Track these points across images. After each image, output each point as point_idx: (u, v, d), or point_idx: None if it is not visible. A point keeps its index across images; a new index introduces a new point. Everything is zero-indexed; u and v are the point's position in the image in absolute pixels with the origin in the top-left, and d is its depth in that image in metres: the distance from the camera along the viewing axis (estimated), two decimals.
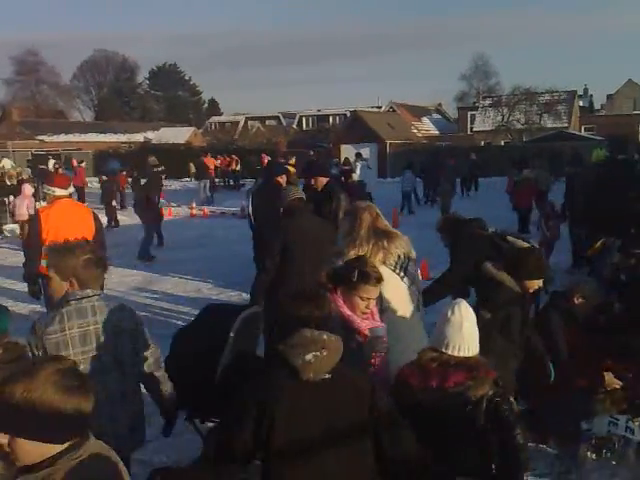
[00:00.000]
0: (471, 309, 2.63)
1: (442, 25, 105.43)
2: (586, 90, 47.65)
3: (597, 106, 48.54)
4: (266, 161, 16.26)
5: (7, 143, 41.36)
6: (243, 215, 16.53)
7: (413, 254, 3.47)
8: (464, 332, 2.53)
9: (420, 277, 3.90)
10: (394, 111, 45.64)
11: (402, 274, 3.36)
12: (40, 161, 26.92)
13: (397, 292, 3.33)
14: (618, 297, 4.87)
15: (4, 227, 15.16)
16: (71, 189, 5.56)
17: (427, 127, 46.55)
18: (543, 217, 9.13)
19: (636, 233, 5.72)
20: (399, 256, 3.37)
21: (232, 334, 3.25)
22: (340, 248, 3.41)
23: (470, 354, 2.54)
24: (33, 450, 1.54)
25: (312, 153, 26.42)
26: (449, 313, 2.57)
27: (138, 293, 8.78)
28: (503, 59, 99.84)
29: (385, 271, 3.14)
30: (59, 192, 5.18)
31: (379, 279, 2.79)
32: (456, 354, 2.52)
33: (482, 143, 38.19)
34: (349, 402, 2.13)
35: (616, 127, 34.82)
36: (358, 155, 20.50)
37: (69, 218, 5.05)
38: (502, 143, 36.93)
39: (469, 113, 44.00)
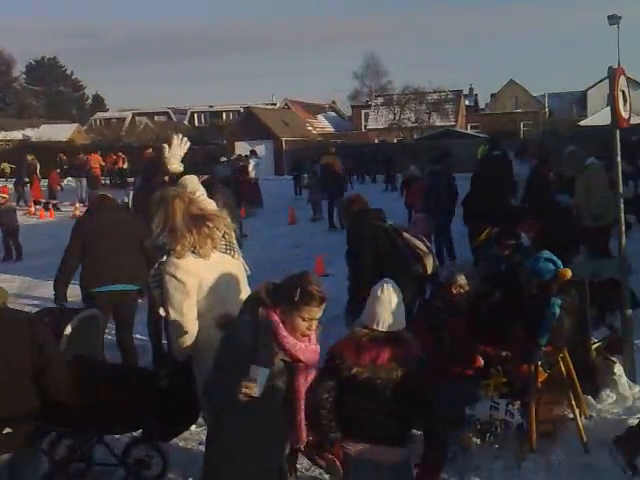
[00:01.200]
0: (397, 288, 2.88)
1: (336, 24, 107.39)
2: (471, 90, 50.02)
3: (482, 105, 51.05)
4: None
5: None
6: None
7: (232, 225, 3.32)
8: (392, 309, 2.80)
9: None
10: (289, 108, 45.79)
11: (233, 252, 3.27)
12: None
13: (240, 272, 3.29)
14: (497, 285, 5.07)
15: None
16: None
17: (322, 124, 47.12)
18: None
19: (509, 224, 6.02)
20: (224, 235, 3.24)
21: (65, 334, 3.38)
22: (161, 242, 3.12)
23: (396, 329, 2.80)
24: None
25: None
26: (378, 292, 2.83)
27: (16, 300, 8.04)
28: (394, 59, 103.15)
29: (219, 257, 3.14)
30: None
31: (323, 299, 2.57)
32: (385, 329, 2.77)
33: (376, 140, 39.26)
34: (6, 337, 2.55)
35: (499, 125, 37.15)
36: (252, 152, 20.31)
37: None
38: (395, 141, 38.13)
39: (363, 111, 45.11)
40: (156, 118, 52.09)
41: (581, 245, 6.88)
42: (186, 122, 50.74)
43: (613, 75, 4.48)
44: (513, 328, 4.23)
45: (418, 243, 4.72)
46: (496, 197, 7.50)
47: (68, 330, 3.47)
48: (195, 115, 52.23)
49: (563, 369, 3.94)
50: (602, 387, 4.30)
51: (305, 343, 2.59)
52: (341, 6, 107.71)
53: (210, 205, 3.39)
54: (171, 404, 3.35)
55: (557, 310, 3.89)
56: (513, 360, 4.14)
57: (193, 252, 3.03)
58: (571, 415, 3.94)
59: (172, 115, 53.18)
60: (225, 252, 3.20)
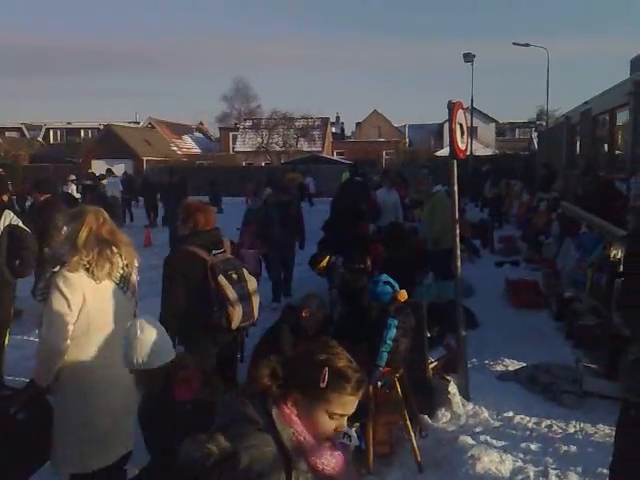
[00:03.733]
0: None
1: (205, 45, 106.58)
2: (338, 118, 52.19)
3: (348, 133, 53.35)
4: None
5: None
6: None
7: (136, 262, 3.28)
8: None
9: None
10: (153, 127, 44.44)
11: (125, 288, 3.18)
12: None
13: (125, 310, 3.17)
14: (346, 307, 5.13)
15: None
16: None
17: (188, 145, 46.31)
18: None
19: (357, 250, 6.19)
20: (124, 267, 3.16)
21: None
22: (60, 253, 3.04)
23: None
24: None
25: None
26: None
27: None
28: (263, 83, 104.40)
29: (110, 286, 3.05)
30: None
31: (361, 382, 1.70)
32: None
33: (243, 163, 39.21)
34: None
35: (364, 152, 38.84)
36: (109, 171, 19.57)
37: None
38: (262, 164, 38.34)
39: (231, 134, 44.99)
40: (7, 134, 48.26)
41: (427, 269, 7.25)
42: (40, 139, 47.43)
43: (452, 108, 4.61)
44: (357, 349, 4.27)
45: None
46: (353, 221, 7.70)
47: None
48: (51, 131, 49.04)
49: (399, 389, 4.01)
50: (438, 406, 4.44)
51: (331, 451, 1.73)
52: (212, 28, 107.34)
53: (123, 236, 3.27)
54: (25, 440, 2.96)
55: (394, 331, 3.97)
56: None
57: (87, 270, 2.95)
58: (407, 435, 4.01)
59: (25, 131, 49.52)
60: (117, 284, 3.10)
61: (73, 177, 18.92)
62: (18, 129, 49.94)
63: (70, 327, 2.91)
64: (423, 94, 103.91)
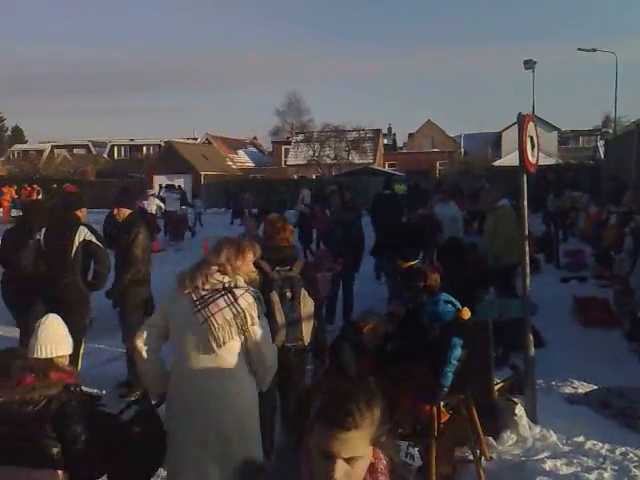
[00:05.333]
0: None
1: (259, 61, 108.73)
2: (390, 129, 51.75)
3: (400, 144, 52.71)
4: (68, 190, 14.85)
5: None
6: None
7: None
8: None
9: None
10: (210, 143, 45.54)
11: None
12: None
13: None
14: (402, 326, 5.06)
15: None
16: None
17: (242, 159, 47.16)
18: None
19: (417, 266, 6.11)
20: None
21: None
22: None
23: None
24: None
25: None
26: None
27: None
28: (316, 97, 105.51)
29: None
30: None
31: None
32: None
33: (295, 176, 39.61)
34: None
35: (416, 163, 38.40)
36: (169, 187, 20.07)
37: None
38: (314, 177, 38.63)
39: (283, 147, 45.49)
40: (75, 151, 50.70)
41: (488, 286, 7.06)
42: (105, 155, 49.47)
43: (522, 121, 4.49)
44: (416, 369, 4.21)
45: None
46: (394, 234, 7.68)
47: None
48: (115, 148, 51.10)
49: (465, 410, 3.93)
50: (503, 428, 4.31)
51: None
52: (265, 44, 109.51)
53: None
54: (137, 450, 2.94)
55: (459, 351, 3.89)
56: (415, 402, 4.10)
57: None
58: (471, 457, 3.92)
59: (92, 148, 51.92)
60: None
61: (153, 192, 19.11)
62: (85, 146, 52.34)
63: None
64: (479, 102, 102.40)
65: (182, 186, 24.49)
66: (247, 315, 2.95)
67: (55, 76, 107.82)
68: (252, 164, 46.78)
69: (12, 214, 22.45)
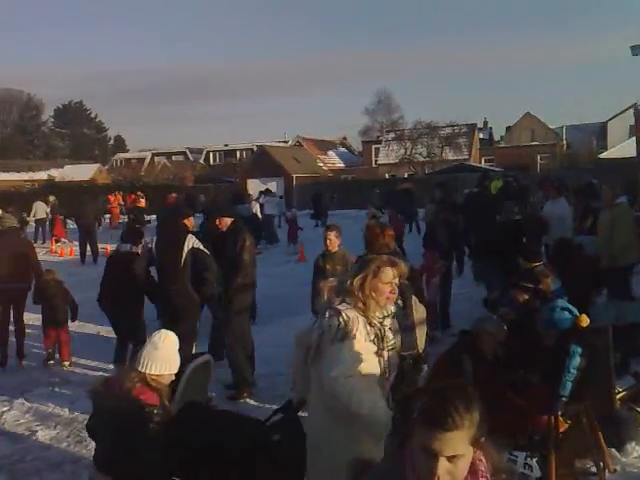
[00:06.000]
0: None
1: (346, 60, 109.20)
2: (486, 123, 49.78)
3: (497, 138, 50.49)
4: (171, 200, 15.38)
5: None
6: (152, 254, 15.79)
7: None
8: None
9: None
10: (300, 145, 46.30)
11: None
12: None
13: None
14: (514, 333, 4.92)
15: None
16: None
17: (333, 160, 47.54)
18: None
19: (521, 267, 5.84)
20: None
21: (182, 384, 3.22)
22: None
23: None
24: None
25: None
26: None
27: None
28: (406, 94, 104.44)
29: None
30: None
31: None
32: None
33: (386, 176, 39.34)
34: None
35: (515, 158, 36.75)
36: (267, 191, 20.47)
37: None
38: (405, 175, 38.19)
39: (373, 146, 45.37)
40: (174, 158, 53.19)
41: (603, 288, 6.69)
42: (202, 161, 51.58)
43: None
44: (531, 377, 4.10)
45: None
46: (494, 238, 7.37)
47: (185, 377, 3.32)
48: (211, 154, 53.17)
49: (585, 420, 3.79)
50: (627, 439, 4.12)
51: None
52: (352, 43, 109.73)
53: None
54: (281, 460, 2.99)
55: (578, 360, 3.75)
56: (532, 410, 3.99)
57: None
58: (594, 469, 3.77)
59: (189, 154, 54.24)
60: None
61: (256, 195, 19.44)
62: (183, 153, 54.86)
63: None
64: (582, 92, 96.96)
65: (273, 190, 25.03)
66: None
67: (152, 86, 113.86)
68: (342, 165, 47.07)
69: (119, 220, 24.07)
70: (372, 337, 2.72)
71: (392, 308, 2.95)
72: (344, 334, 2.67)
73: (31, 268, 7.10)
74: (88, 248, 15.58)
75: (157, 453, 2.83)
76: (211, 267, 5.86)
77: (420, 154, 40.82)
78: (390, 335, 2.83)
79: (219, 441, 2.90)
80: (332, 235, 5.47)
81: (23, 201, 25.88)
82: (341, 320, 2.68)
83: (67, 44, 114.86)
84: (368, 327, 2.73)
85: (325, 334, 2.72)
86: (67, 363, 6.97)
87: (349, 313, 2.70)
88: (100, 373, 6.65)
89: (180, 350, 3.13)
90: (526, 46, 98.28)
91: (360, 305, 2.74)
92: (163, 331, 3.16)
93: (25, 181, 41.57)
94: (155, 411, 2.85)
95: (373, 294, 2.75)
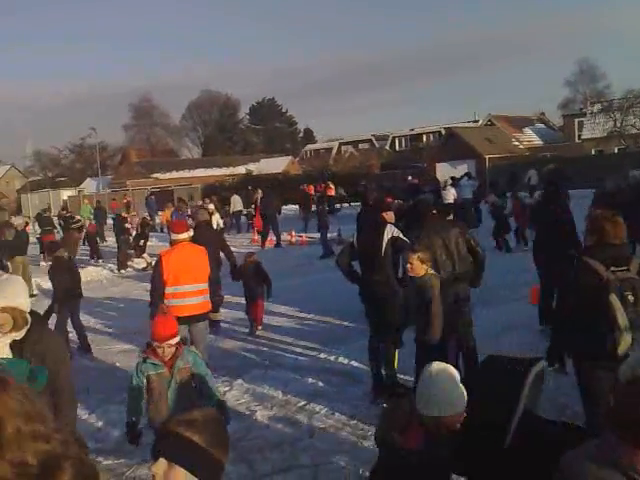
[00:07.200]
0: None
1: (538, 30, 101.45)
2: None
3: None
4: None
5: (127, 182, 44.91)
6: (340, 241, 16.34)
7: None
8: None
9: None
10: (492, 124, 44.09)
11: None
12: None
13: None
14: None
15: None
16: (190, 232, 6.15)
17: (529, 138, 44.42)
18: None
19: None
20: None
21: (526, 389, 2.92)
22: None
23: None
24: None
25: (410, 177, 26.18)
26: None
27: (243, 322, 8.77)
28: (611, 60, 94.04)
29: None
30: (176, 236, 5.87)
31: None
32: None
33: (592, 151, 35.76)
34: None
35: None
36: (467, 175, 20.29)
37: (186, 260, 5.72)
38: (615, 150, 34.28)
39: (576, 120, 41.43)
40: (360, 146, 54.26)
41: None
42: (387, 147, 51.87)
43: None
44: None
45: None
46: None
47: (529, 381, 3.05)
48: (396, 140, 53.17)
49: None
50: None
51: None
52: (548, 5, 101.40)
53: None
54: None
55: None
56: None
57: None
58: None
59: (375, 142, 54.86)
60: None
61: (450, 180, 18.97)
62: (368, 140, 55.73)
63: None
64: None
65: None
66: None
67: (337, 77, 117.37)
68: (541, 142, 43.81)
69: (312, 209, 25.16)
70: None
71: None
72: None
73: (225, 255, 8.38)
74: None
75: None
76: None
77: (633, 125, 36.30)
78: None
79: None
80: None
81: (225, 195, 28.31)
82: None
83: (256, 43, 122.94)
84: None
85: None
86: (260, 327, 8.42)
87: None
88: (308, 358, 6.95)
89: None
90: None
91: None
92: (441, 369, 2.62)
93: (226, 176, 45.42)
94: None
95: None
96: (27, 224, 16.84)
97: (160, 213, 24.75)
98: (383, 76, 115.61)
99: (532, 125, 47.36)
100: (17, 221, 15.45)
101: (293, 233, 19.09)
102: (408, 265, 4.85)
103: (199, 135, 72.92)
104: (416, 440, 2.39)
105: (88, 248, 18.69)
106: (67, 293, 7.85)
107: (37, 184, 56.03)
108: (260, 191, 20.13)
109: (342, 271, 5.95)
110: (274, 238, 17.94)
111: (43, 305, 10.14)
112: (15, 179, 64.43)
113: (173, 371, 3.67)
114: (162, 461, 1.64)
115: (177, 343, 3.71)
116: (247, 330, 8.55)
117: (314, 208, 22.73)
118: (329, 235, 15.97)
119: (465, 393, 2.48)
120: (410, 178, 25.97)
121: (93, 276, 15.23)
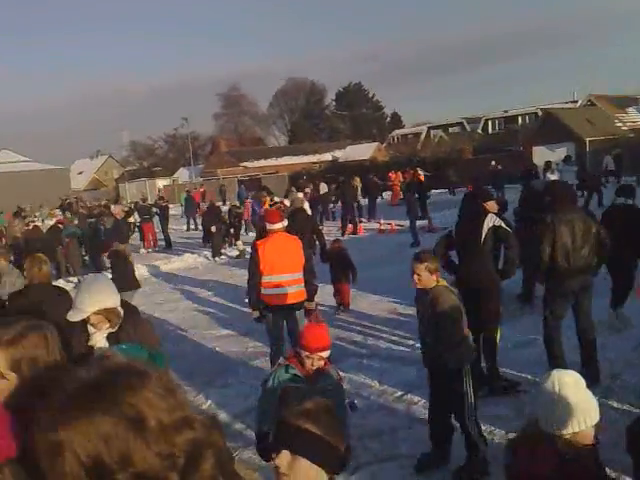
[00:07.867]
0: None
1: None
2: None
3: None
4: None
5: (217, 171, 46.48)
6: (430, 228, 15.97)
7: None
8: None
9: None
10: (593, 104, 41.45)
11: None
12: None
13: None
14: None
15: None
16: (284, 222, 6.11)
17: (634, 118, 41.37)
18: None
19: None
20: None
21: None
22: None
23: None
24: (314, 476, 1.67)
25: (493, 163, 25.20)
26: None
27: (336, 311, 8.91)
28: None
29: None
30: (271, 226, 5.91)
31: None
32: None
33: None
34: None
35: None
36: (566, 158, 19.61)
37: (281, 250, 5.78)
38: None
39: None
40: (450, 130, 52.74)
41: None
42: (479, 130, 50.11)
43: None
44: None
45: None
46: None
47: None
48: (489, 122, 51.18)
49: None
50: None
51: None
52: None
53: None
54: None
55: None
56: None
57: None
58: None
59: (466, 125, 53.12)
60: None
61: (554, 165, 17.53)
62: (459, 124, 53.97)
63: None
64: None
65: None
66: None
67: (425, 59, 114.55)
68: None
69: (400, 197, 24.77)
70: None
71: None
72: None
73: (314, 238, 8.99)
74: None
75: None
76: (513, 245, 5.57)
77: None
78: None
79: None
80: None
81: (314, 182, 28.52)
82: None
83: (339, 28, 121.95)
84: None
85: None
86: (342, 308, 8.93)
87: None
88: (402, 348, 6.88)
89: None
90: None
91: None
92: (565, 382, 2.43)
93: (313, 163, 45.77)
94: None
95: None
96: (129, 213, 17.69)
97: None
98: (471, 56, 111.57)
99: (637, 105, 44.06)
100: (116, 209, 16.37)
101: (382, 221, 18.92)
102: (415, 277, 4.20)
103: (286, 123, 73.93)
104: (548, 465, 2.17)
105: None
106: None
107: (133, 174, 58.97)
108: (357, 179, 20.60)
109: (439, 261, 5.82)
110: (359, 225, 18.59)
111: (145, 292, 10.73)
112: (113, 169, 68.03)
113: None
114: (285, 453, 1.67)
115: (327, 357, 3.32)
116: (340, 318, 8.60)
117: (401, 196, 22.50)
118: (418, 223, 15.67)
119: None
120: (493, 163, 24.96)
121: (189, 263, 15.87)
